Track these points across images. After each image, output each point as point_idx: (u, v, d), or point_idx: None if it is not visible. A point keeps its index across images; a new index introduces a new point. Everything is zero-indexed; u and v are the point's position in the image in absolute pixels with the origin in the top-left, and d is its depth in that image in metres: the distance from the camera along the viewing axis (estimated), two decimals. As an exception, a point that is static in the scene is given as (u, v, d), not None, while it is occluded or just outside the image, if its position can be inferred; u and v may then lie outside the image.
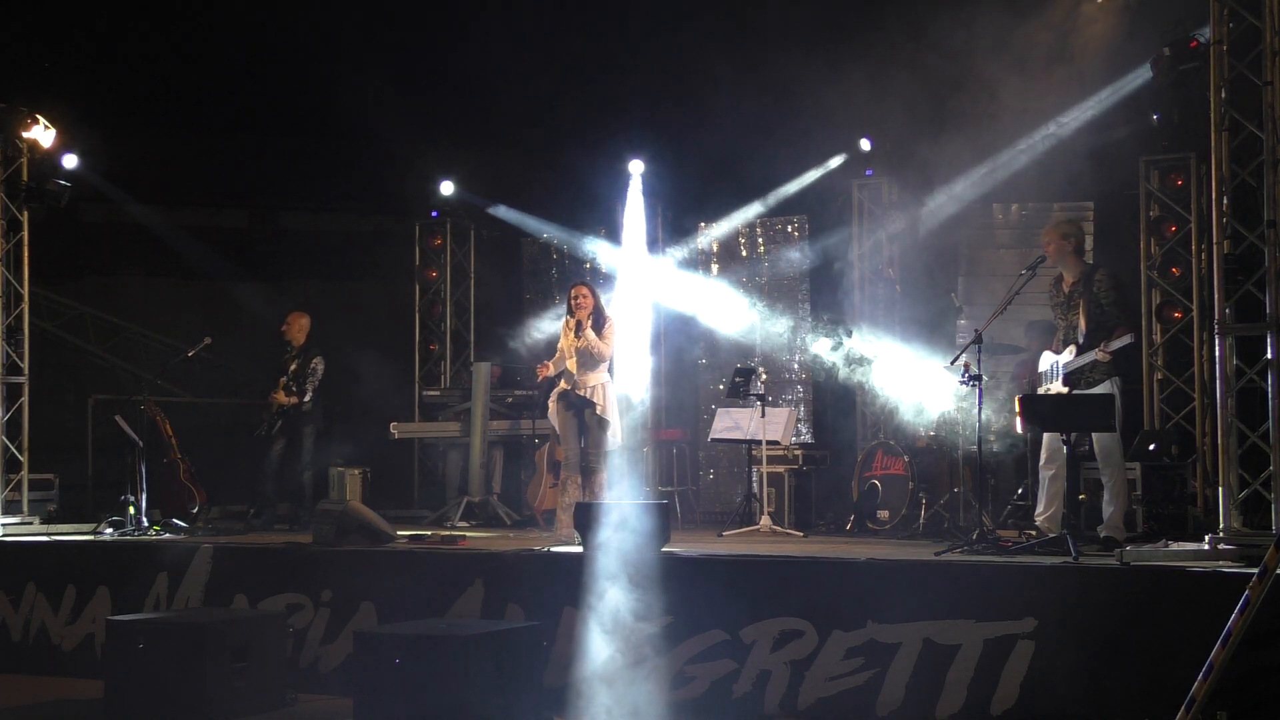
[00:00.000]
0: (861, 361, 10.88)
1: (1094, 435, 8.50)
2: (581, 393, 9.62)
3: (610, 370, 9.83)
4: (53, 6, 14.72)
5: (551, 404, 9.92)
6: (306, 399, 11.75)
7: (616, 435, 9.73)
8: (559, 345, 9.95)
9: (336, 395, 13.01)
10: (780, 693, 7.46)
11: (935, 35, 10.17)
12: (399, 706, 7.00)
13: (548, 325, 13.15)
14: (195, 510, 11.85)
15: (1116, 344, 8.32)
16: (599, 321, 9.70)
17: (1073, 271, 8.73)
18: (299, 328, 12.02)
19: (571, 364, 9.70)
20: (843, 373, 11.11)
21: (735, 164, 12.46)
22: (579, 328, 9.65)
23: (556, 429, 9.97)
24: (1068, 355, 8.60)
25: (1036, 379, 9.94)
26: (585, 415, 9.64)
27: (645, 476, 12.13)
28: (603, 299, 9.96)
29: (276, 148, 16.17)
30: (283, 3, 14.06)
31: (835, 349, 10.99)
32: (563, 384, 9.77)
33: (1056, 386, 8.64)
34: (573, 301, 9.77)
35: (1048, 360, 8.85)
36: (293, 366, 11.88)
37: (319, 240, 17.08)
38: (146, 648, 7.74)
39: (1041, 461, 8.72)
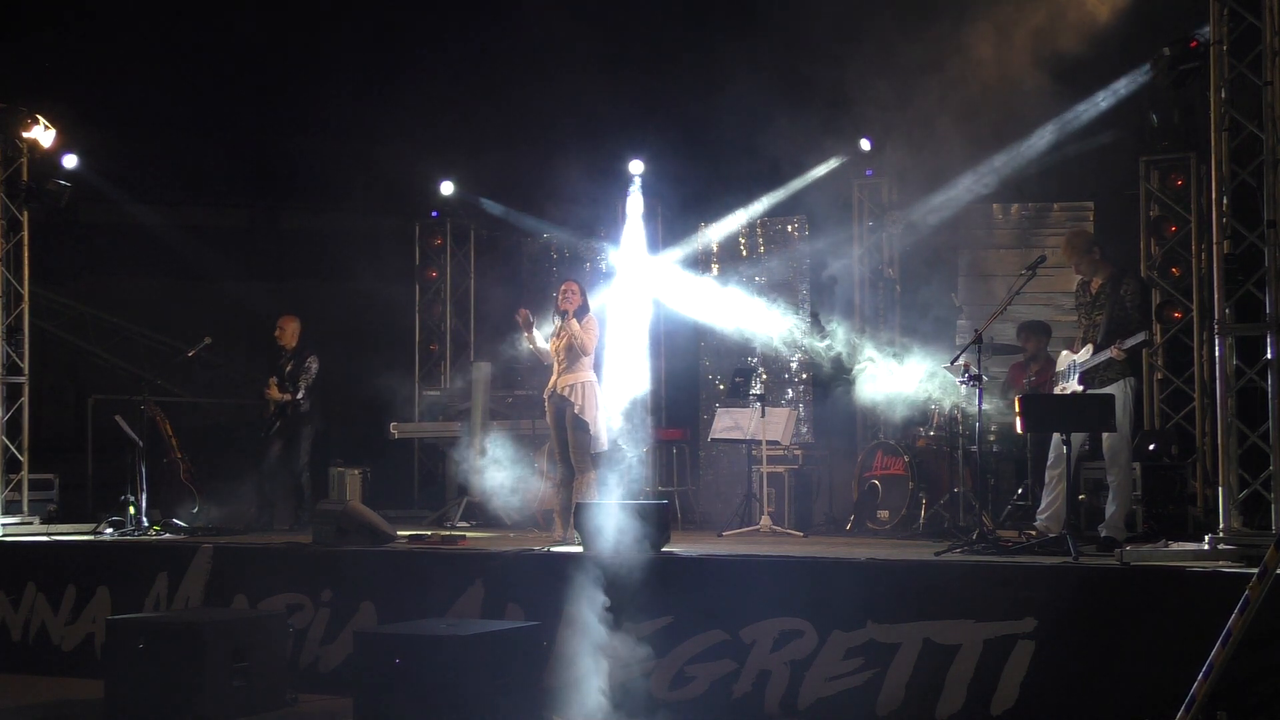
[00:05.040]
0: (856, 363, 10.90)
1: (1103, 435, 8.51)
2: (562, 392, 9.57)
3: (597, 371, 9.80)
4: (53, 7, 14.72)
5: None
6: (300, 395, 11.75)
7: (601, 436, 9.65)
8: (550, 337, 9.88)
9: (336, 395, 13.01)
10: (780, 693, 7.45)
11: (936, 34, 10.16)
12: (399, 706, 6.99)
13: (548, 326, 13.11)
14: (195, 510, 11.85)
15: (1131, 342, 8.36)
16: (580, 315, 9.64)
17: (1102, 275, 8.76)
18: (290, 331, 12.02)
19: (557, 364, 9.67)
20: (835, 368, 11.15)
21: (735, 164, 12.45)
22: (563, 317, 9.60)
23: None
24: (1085, 354, 8.62)
25: (1041, 380, 9.95)
26: (566, 415, 9.58)
27: (645, 476, 12.12)
28: (589, 297, 9.89)
29: (276, 148, 16.17)
30: (283, 3, 14.07)
31: (823, 342, 11.04)
32: (549, 384, 9.74)
33: (1072, 385, 8.65)
34: (560, 296, 9.72)
35: (1065, 360, 8.87)
36: (288, 368, 11.89)
37: (319, 240, 17.07)
38: (146, 648, 7.73)
39: (1049, 462, 8.72)
